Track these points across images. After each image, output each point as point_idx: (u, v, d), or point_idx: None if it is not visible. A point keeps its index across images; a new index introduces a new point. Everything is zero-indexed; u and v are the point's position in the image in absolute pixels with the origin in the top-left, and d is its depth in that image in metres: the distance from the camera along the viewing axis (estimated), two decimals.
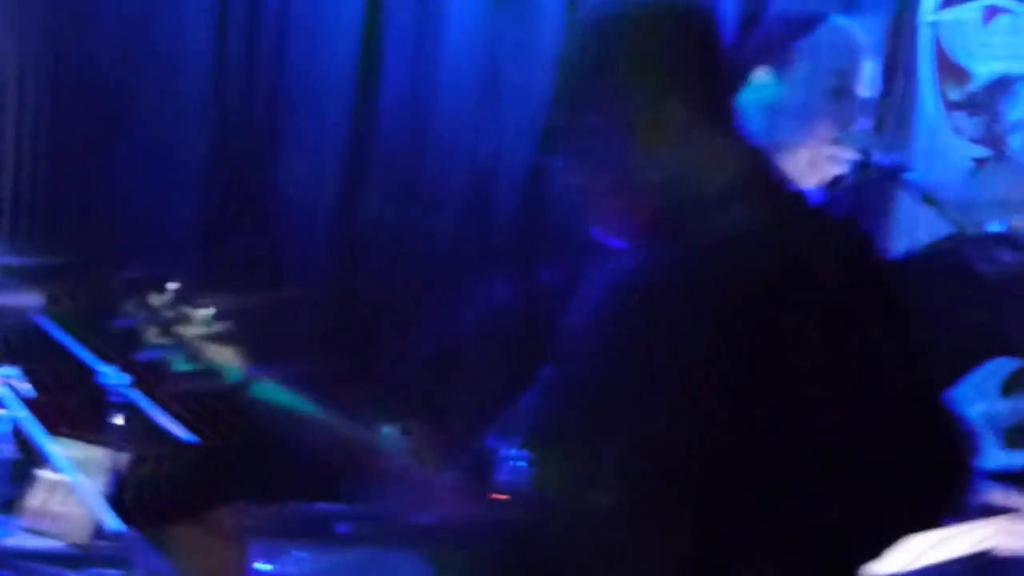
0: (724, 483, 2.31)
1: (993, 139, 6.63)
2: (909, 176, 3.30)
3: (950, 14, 6.58)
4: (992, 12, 6.59)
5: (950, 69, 6.61)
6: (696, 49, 2.52)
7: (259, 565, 4.81)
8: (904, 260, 5.50)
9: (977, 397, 4.90)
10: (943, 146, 6.55)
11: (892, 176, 3.30)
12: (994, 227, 4.69)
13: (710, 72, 2.54)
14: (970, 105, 6.62)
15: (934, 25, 6.57)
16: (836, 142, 3.26)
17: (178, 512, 4.87)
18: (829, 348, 2.31)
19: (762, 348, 2.29)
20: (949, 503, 2.52)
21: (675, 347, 2.34)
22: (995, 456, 4.92)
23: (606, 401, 2.45)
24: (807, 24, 3.32)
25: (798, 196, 2.62)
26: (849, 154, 3.27)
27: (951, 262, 5.02)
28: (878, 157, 3.26)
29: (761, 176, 2.56)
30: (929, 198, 3.31)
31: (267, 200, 5.56)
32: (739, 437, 2.30)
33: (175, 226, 5.44)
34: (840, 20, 3.36)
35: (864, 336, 2.35)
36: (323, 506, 5.08)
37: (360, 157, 5.69)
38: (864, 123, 3.28)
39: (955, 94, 6.61)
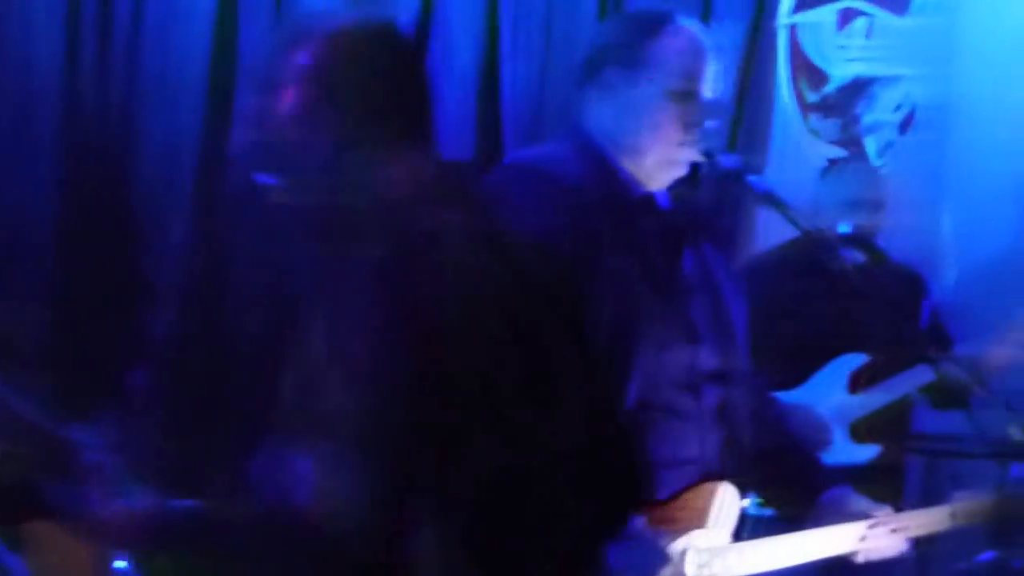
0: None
1: (849, 141, 6.73)
2: (752, 178, 3.31)
3: (807, 16, 6.66)
4: (847, 15, 6.69)
5: (807, 71, 6.69)
6: (386, 69, 2.57)
7: (118, 563, 4.78)
8: (756, 259, 5.58)
9: (825, 392, 4.99)
10: (800, 148, 6.64)
11: (735, 178, 3.32)
12: (843, 228, 4.77)
13: (399, 90, 2.58)
14: (826, 107, 6.71)
15: (791, 27, 6.65)
16: (682, 144, 3.28)
17: (31, 508, 4.80)
18: (492, 351, 2.40)
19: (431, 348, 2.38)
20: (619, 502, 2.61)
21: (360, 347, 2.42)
22: (842, 450, 5.01)
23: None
24: (654, 26, 3.31)
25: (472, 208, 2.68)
26: (694, 156, 3.29)
27: (801, 262, 5.10)
28: (722, 159, 3.28)
29: (442, 189, 2.61)
30: (772, 199, 3.33)
31: (119, 202, 5.49)
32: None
33: (22, 231, 5.37)
34: (686, 21, 3.35)
35: (532, 338, 2.44)
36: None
37: (214, 156, 5.64)
38: (710, 125, 3.29)
39: (812, 96, 6.69)
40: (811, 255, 4.98)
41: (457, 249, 2.43)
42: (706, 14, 6.31)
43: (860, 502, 3.51)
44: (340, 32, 2.58)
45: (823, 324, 5.04)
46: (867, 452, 5.04)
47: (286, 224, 2.73)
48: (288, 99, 2.54)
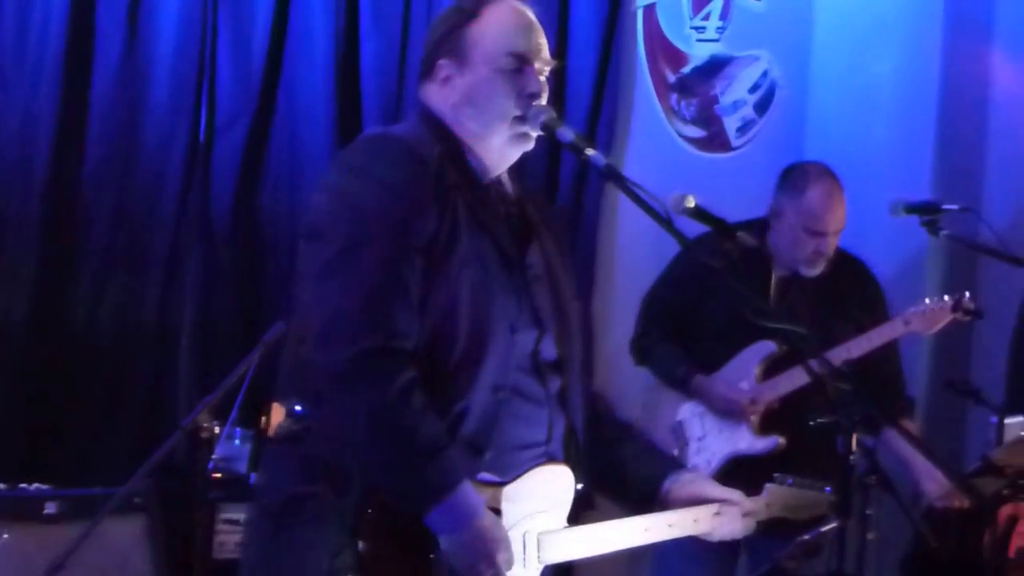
0: None
1: (707, 120, 6.79)
2: (591, 152, 3.33)
3: None
4: None
5: (665, 52, 6.75)
6: None
7: None
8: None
9: (737, 379, 5.06)
10: (660, 128, 6.70)
11: (574, 152, 3.34)
12: (689, 202, 4.78)
13: None
14: (684, 87, 6.77)
15: (648, 8, 6.70)
16: (521, 121, 3.31)
17: None
18: None
19: None
20: None
21: None
22: (744, 439, 5.09)
23: None
24: (472, 9, 3.34)
25: None
26: (535, 130, 3.31)
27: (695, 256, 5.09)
28: (561, 133, 3.30)
29: None
30: (611, 173, 3.35)
31: None
32: None
33: None
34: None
35: None
36: (29, 487, 5.02)
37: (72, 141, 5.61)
38: (544, 96, 3.31)
39: (671, 76, 6.75)
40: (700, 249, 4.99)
41: None
42: None
43: (705, 486, 3.55)
44: None
45: (728, 314, 5.05)
46: (767, 443, 5.11)
47: None
48: None
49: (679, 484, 3.52)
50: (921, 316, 5.16)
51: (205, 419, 5.20)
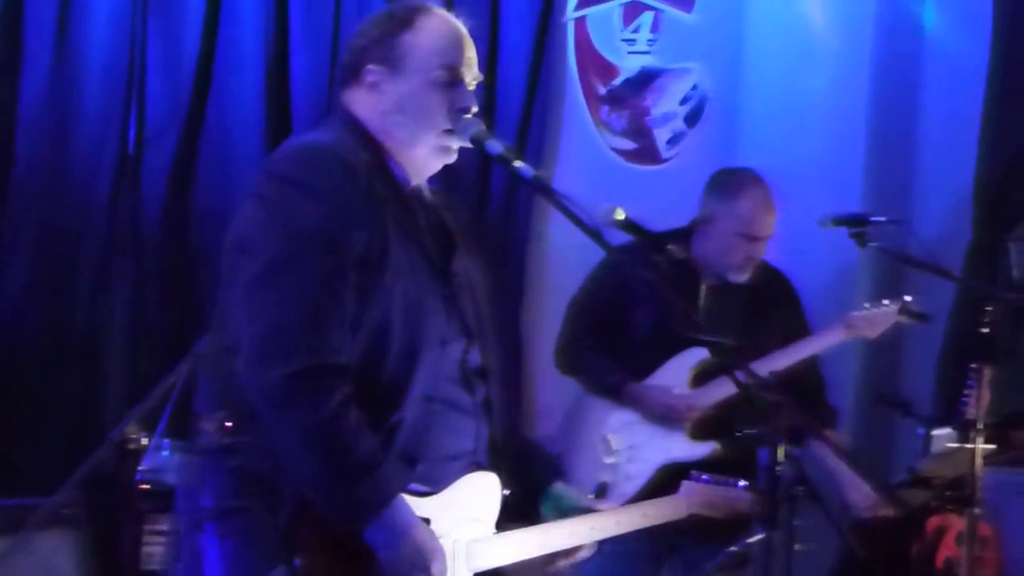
0: None
1: (638, 132, 6.82)
2: (520, 165, 3.33)
3: (594, 11, 6.74)
4: (634, 9, 6.78)
5: (596, 64, 6.77)
6: None
7: None
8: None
9: (672, 384, 5.07)
10: (590, 140, 6.72)
11: (503, 164, 3.34)
12: (618, 215, 4.80)
13: None
14: (615, 99, 6.80)
15: (578, 21, 6.73)
16: (450, 132, 3.31)
17: None
18: None
19: None
20: None
21: None
22: (681, 446, 5.12)
23: None
24: (406, 18, 3.33)
25: None
26: (463, 142, 3.32)
27: (628, 267, 5.10)
28: (490, 145, 3.30)
29: None
30: (539, 186, 3.36)
31: None
32: None
33: None
34: (439, 10, 3.39)
35: None
36: None
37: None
38: (474, 110, 3.32)
39: (601, 89, 6.78)
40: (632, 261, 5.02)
41: None
42: (494, 8, 6.38)
43: (581, 495, 3.60)
44: None
45: (657, 322, 5.07)
46: (702, 449, 5.13)
47: None
48: None
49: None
50: (865, 320, 5.22)
51: (133, 430, 5.19)
